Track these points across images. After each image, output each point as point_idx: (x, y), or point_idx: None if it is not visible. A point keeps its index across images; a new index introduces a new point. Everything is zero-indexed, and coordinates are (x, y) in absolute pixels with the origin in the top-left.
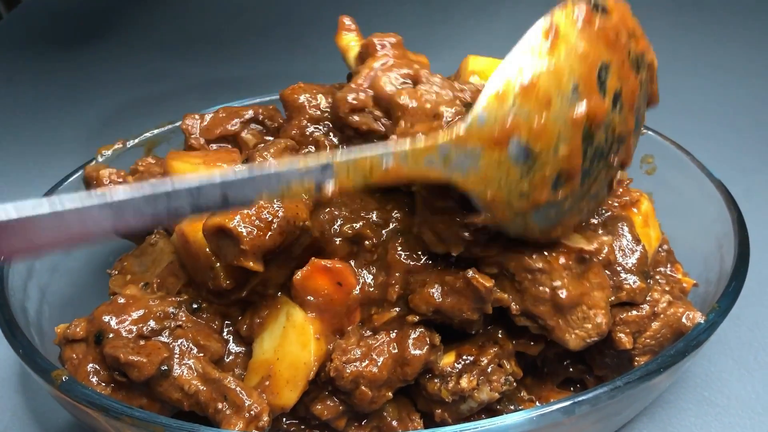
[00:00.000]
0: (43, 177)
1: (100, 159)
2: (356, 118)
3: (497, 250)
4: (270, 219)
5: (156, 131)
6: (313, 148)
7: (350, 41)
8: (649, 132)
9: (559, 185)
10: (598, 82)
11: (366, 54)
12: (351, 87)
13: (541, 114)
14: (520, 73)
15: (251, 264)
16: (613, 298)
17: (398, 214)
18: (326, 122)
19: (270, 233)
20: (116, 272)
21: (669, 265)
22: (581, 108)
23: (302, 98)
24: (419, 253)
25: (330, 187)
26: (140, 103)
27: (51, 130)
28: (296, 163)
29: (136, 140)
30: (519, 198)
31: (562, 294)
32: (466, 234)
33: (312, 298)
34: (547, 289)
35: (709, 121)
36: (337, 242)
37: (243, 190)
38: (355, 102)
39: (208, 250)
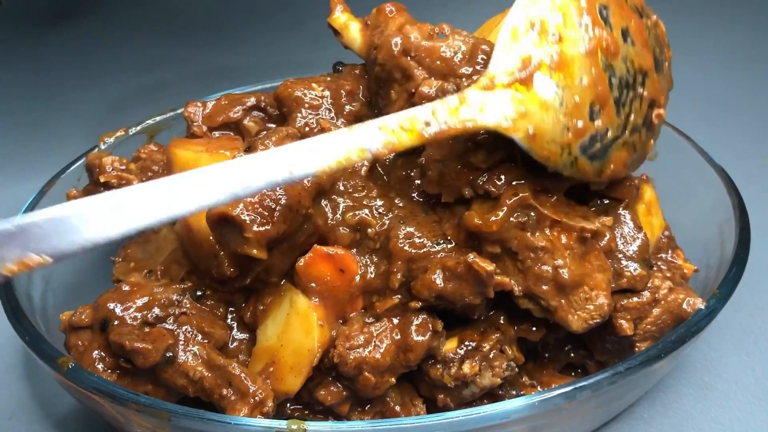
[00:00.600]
0: (46, 164)
1: (102, 146)
2: (408, 60)
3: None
4: (273, 207)
5: (158, 118)
6: None
7: (346, 20)
8: None
9: (595, 114)
10: (601, 18)
11: (377, 22)
12: (389, 33)
13: (556, 49)
14: (526, 18)
15: (255, 252)
16: (614, 285)
17: (401, 202)
18: (327, 108)
19: (273, 221)
20: (120, 260)
21: (670, 251)
22: (591, 38)
23: (298, 92)
24: (421, 241)
25: (380, 150)
26: (141, 89)
27: (52, 116)
28: (346, 132)
29: (138, 127)
30: (562, 132)
31: (564, 273)
32: (475, 179)
33: (315, 285)
34: (549, 269)
35: (708, 105)
36: (341, 231)
37: (307, 165)
38: (401, 46)
39: (211, 238)
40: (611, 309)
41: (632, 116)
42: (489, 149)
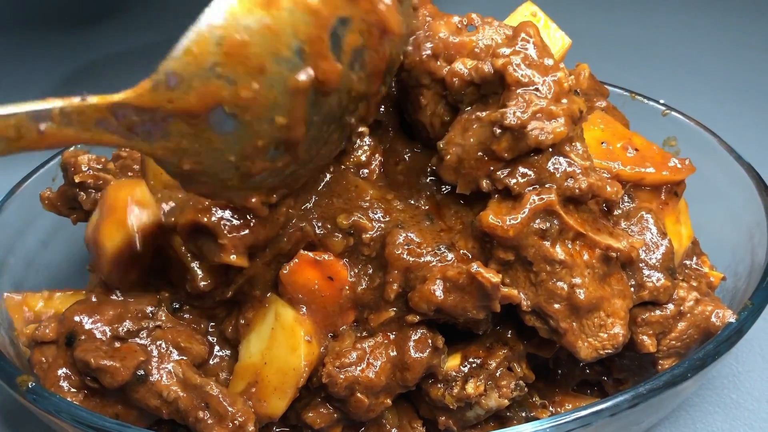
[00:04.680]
0: (20, 161)
1: (79, 144)
2: (438, 63)
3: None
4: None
5: None
6: None
7: None
8: (672, 112)
9: (278, 156)
10: (331, 42)
11: None
12: (418, 35)
13: (251, 82)
14: (225, 27)
15: (233, 259)
16: (635, 297)
17: (400, 205)
18: None
19: (250, 225)
20: None
21: (695, 258)
22: (304, 76)
23: None
24: (421, 247)
25: None
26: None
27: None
28: None
29: None
30: (227, 169)
31: (581, 294)
32: (495, 171)
33: (301, 295)
34: (565, 286)
35: (736, 100)
36: (333, 237)
37: None
38: (432, 50)
39: (183, 249)
40: (626, 341)
41: (325, 149)
42: (515, 136)
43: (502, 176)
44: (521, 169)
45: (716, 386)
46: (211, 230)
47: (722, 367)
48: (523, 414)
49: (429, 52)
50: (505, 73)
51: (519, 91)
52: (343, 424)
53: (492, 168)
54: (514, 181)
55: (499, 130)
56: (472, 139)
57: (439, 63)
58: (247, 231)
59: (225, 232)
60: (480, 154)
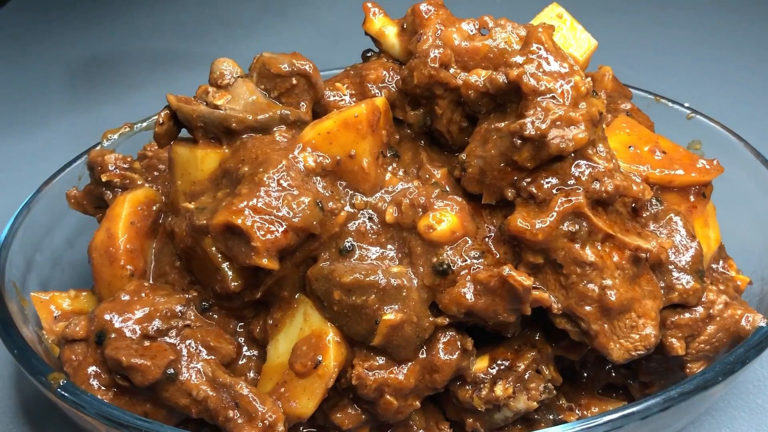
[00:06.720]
0: (46, 162)
1: (105, 143)
2: (448, 73)
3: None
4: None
5: None
6: None
7: (381, 26)
8: (696, 115)
9: None
10: None
11: (413, 26)
12: (424, 48)
13: None
14: None
15: (265, 262)
16: (664, 299)
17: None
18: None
19: (284, 229)
20: None
21: (721, 262)
22: None
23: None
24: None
25: None
26: (152, 85)
27: (56, 111)
28: None
29: (145, 123)
30: None
31: (612, 295)
32: (519, 180)
33: None
34: (596, 288)
35: (762, 103)
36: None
37: None
38: (439, 61)
39: (213, 249)
40: (658, 341)
41: None
42: (536, 146)
43: (526, 185)
44: (545, 177)
45: (741, 391)
46: (244, 232)
47: (748, 371)
48: (551, 417)
49: (437, 64)
50: (521, 83)
51: (536, 99)
52: (371, 425)
53: (515, 177)
54: (539, 189)
55: (519, 141)
56: (492, 151)
57: (452, 71)
58: (279, 234)
59: (258, 234)
60: (502, 164)
